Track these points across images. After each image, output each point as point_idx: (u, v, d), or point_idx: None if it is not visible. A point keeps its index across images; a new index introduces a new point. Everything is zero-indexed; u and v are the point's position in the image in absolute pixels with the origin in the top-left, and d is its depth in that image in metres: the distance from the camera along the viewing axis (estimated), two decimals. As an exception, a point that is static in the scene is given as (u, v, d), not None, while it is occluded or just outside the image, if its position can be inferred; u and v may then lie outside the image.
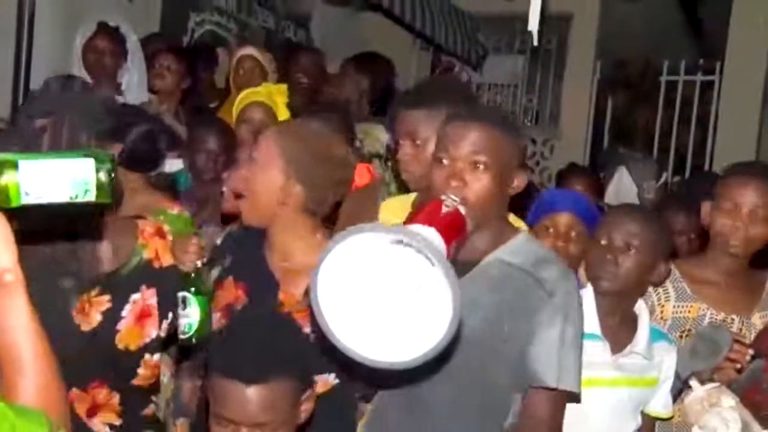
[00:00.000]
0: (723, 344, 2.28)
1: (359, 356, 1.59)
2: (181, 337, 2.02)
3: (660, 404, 2.35)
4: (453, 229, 1.73)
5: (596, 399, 2.16)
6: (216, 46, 5.51)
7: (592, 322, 2.25)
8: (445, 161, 1.88)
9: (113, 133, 2.33)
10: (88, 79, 3.97)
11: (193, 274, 2.02)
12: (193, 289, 2.04)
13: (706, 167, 6.79)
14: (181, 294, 2.02)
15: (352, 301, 1.58)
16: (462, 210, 1.79)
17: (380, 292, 1.59)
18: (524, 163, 2.00)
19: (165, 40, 4.72)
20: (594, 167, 6.51)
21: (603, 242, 2.30)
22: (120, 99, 4.13)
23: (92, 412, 2.11)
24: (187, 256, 2.06)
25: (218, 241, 2.32)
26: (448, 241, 1.67)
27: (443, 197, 1.79)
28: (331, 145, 2.22)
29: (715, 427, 2.09)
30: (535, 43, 3.15)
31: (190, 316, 2.02)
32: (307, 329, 2.00)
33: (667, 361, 2.34)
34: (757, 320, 2.43)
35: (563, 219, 2.62)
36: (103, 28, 4.24)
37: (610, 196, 4.21)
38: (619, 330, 2.30)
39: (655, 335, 2.35)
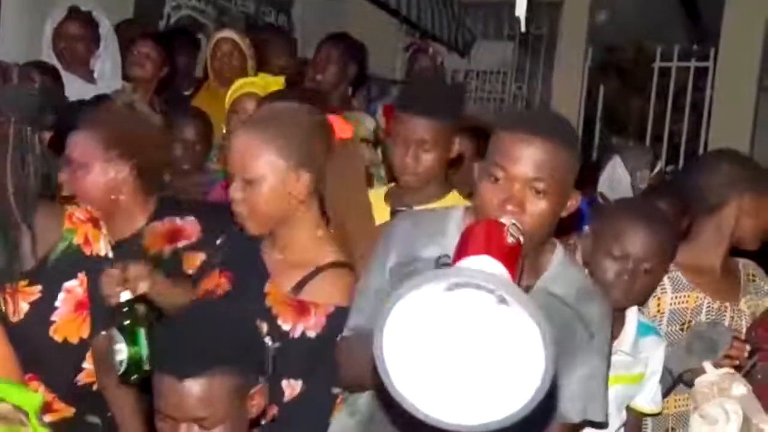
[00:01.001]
0: (721, 342, 2.28)
1: (432, 419, 1.44)
2: (118, 375, 1.95)
3: (646, 399, 2.35)
4: (515, 262, 1.58)
5: None
6: (195, 31, 5.46)
7: None
8: (500, 180, 1.74)
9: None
10: (59, 66, 3.91)
11: (122, 308, 1.93)
12: (124, 322, 1.96)
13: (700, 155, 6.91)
14: (108, 331, 1.96)
15: (420, 358, 1.45)
16: (521, 239, 1.65)
17: (450, 344, 1.45)
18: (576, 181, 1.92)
19: (141, 26, 4.66)
20: (585, 156, 6.53)
21: (616, 254, 2.24)
22: (92, 87, 4.08)
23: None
24: (106, 291, 2.00)
25: (218, 241, 2.25)
26: (514, 270, 1.53)
27: (505, 221, 1.65)
28: (304, 115, 2.10)
29: (715, 418, 2.07)
30: (524, 29, 3.12)
31: (120, 353, 1.94)
32: (286, 326, 1.94)
33: (655, 355, 2.35)
34: (744, 306, 2.45)
35: None
36: (74, 13, 4.16)
37: (604, 186, 4.22)
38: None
39: (644, 330, 2.34)
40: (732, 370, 2.17)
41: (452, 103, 2.59)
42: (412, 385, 1.44)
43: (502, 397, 1.41)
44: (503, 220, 1.67)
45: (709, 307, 2.47)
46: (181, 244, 2.47)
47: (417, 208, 2.42)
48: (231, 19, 5.84)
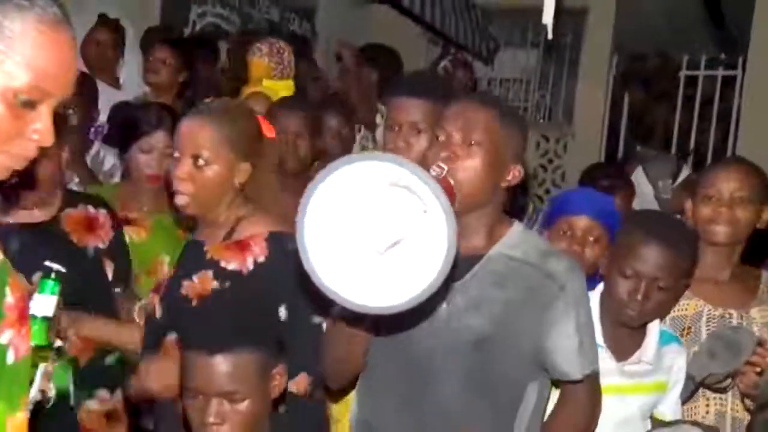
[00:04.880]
0: (744, 347, 2.27)
1: (346, 301, 1.59)
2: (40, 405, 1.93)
3: (670, 409, 2.35)
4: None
5: (603, 407, 2.15)
6: (218, 38, 5.51)
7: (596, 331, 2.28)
8: (441, 137, 1.92)
9: None
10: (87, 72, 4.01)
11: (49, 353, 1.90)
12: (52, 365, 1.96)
13: None
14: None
15: (339, 242, 1.58)
16: (450, 181, 1.81)
17: (369, 233, 1.58)
18: (522, 158, 2.01)
19: (164, 33, 4.72)
20: (598, 166, 6.43)
21: (628, 272, 2.25)
22: (119, 93, 4.18)
23: None
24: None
25: None
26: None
27: (433, 167, 1.82)
28: (251, 114, 2.29)
29: None
30: (550, 36, 3.12)
31: (51, 390, 1.93)
32: (234, 265, 2.09)
33: (677, 363, 2.34)
34: (756, 314, 2.44)
35: (581, 222, 2.59)
36: (103, 21, 4.30)
37: (627, 199, 4.21)
38: (627, 337, 2.29)
39: (666, 338, 2.34)
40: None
41: (442, 86, 2.64)
42: (333, 274, 1.57)
43: (411, 282, 1.55)
44: (432, 169, 1.82)
45: (709, 314, 2.46)
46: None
47: None
48: (255, 26, 5.92)
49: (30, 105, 1.20)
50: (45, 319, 1.64)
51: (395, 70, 4.41)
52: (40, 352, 1.62)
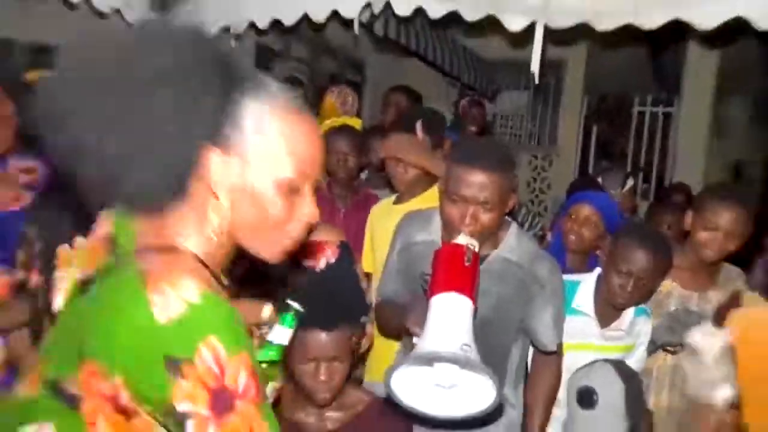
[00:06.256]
0: (692, 327, 2.34)
1: (428, 415, 1.73)
2: None
3: (635, 363, 2.43)
4: (475, 271, 1.81)
5: (587, 359, 2.30)
6: (294, 85, 5.67)
7: (588, 303, 2.40)
8: (460, 204, 1.95)
9: None
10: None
11: None
12: None
13: (667, 179, 7.45)
14: None
15: (418, 387, 1.71)
16: (476, 249, 1.85)
17: (435, 380, 1.69)
18: (516, 187, 2.05)
19: None
20: (581, 178, 6.56)
21: (622, 270, 2.31)
22: None
23: None
24: None
25: None
26: (473, 287, 1.76)
27: (465, 244, 1.84)
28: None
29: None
30: (536, 82, 3.25)
31: None
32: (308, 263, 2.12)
33: (644, 331, 2.44)
34: (713, 296, 2.48)
35: (584, 209, 2.78)
36: None
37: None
38: (611, 311, 2.40)
39: (639, 311, 2.42)
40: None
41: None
42: (416, 402, 1.71)
43: (467, 409, 1.71)
44: (461, 240, 1.86)
45: (678, 293, 2.52)
46: None
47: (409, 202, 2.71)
48: (320, 76, 6.26)
49: (297, 191, 1.15)
50: (281, 346, 1.57)
51: (417, 99, 4.54)
52: (273, 370, 1.55)
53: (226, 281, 1.19)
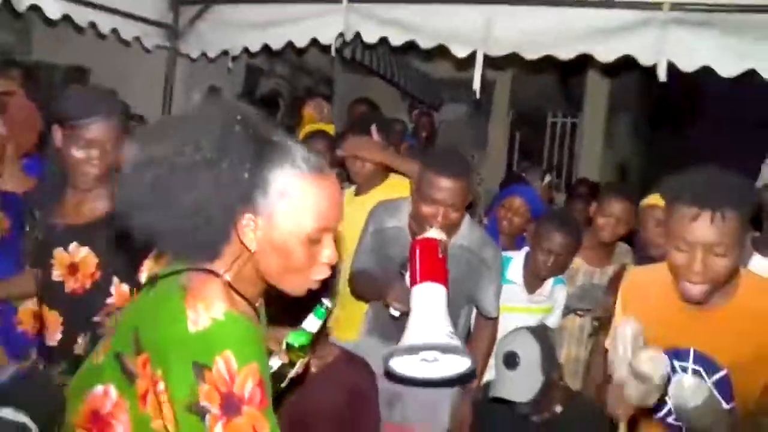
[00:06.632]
0: (596, 296, 2.46)
1: (417, 379, 1.86)
2: None
3: (552, 323, 2.53)
4: (446, 260, 1.84)
5: (515, 319, 2.35)
6: (277, 98, 5.83)
7: (518, 275, 2.45)
8: (432, 207, 1.95)
9: None
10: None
11: None
12: None
13: (574, 175, 7.48)
14: None
15: (410, 361, 1.80)
16: (446, 241, 1.88)
17: (423, 357, 1.79)
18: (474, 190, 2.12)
19: (247, 97, 5.03)
20: (509, 175, 6.70)
21: (544, 248, 2.36)
22: None
23: None
24: None
25: None
26: (446, 275, 1.79)
27: (438, 238, 1.84)
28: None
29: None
30: (477, 97, 3.37)
31: None
32: None
33: (560, 296, 2.51)
34: (610, 270, 2.56)
35: (516, 201, 2.84)
36: (211, 90, 4.69)
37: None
38: (536, 280, 2.47)
39: (557, 281, 2.49)
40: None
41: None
42: (405, 369, 1.79)
43: (448, 374, 1.81)
44: (433, 234, 1.86)
45: (585, 269, 2.59)
46: None
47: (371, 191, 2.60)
48: (297, 90, 6.14)
49: (318, 241, 1.12)
50: (311, 333, 1.47)
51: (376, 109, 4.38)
52: (300, 352, 1.45)
53: (257, 304, 1.20)
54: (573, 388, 2.46)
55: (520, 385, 2.06)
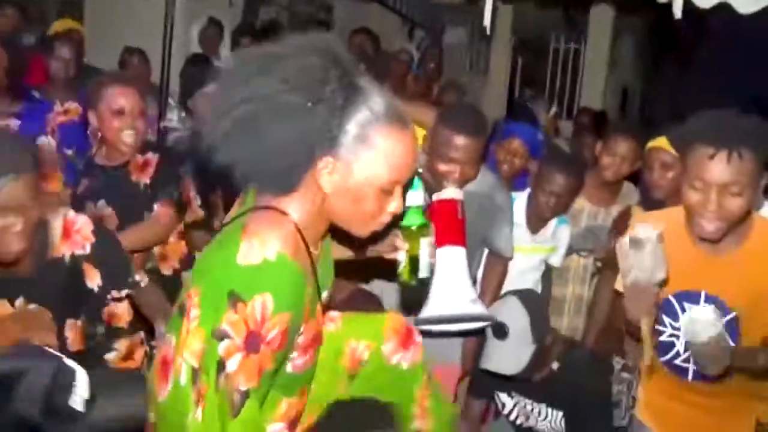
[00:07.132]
0: (601, 237, 2.43)
1: (434, 332, 1.83)
2: None
3: (556, 262, 2.52)
4: (465, 220, 1.82)
5: (519, 259, 2.35)
6: (277, 28, 5.23)
7: (521, 216, 2.41)
8: (448, 161, 1.92)
9: None
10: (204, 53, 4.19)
11: None
12: None
13: (575, 101, 7.69)
14: None
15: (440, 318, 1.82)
16: (462, 199, 1.83)
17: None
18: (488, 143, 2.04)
19: (248, 27, 4.95)
20: (510, 102, 7.29)
21: (546, 189, 2.32)
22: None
23: None
24: None
25: None
26: (465, 235, 1.78)
27: (457, 198, 1.81)
28: None
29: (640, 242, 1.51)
30: (488, 33, 3.40)
31: None
32: None
33: (563, 236, 2.47)
34: (614, 210, 2.51)
35: (514, 142, 2.73)
36: (212, 21, 4.54)
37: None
38: (539, 221, 2.44)
39: (561, 220, 2.45)
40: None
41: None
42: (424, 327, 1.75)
43: (465, 329, 1.87)
44: (451, 193, 1.81)
45: (588, 209, 2.54)
46: None
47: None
48: (298, 18, 6.03)
49: (390, 192, 1.14)
50: (419, 206, 1.44)
51: (376, 43, 4.38)
52: (422, 230, 1.43)
53: (315, 250, 1.20)
54: (577, 326, 2.51)
55: (510, 356, 2.10)
